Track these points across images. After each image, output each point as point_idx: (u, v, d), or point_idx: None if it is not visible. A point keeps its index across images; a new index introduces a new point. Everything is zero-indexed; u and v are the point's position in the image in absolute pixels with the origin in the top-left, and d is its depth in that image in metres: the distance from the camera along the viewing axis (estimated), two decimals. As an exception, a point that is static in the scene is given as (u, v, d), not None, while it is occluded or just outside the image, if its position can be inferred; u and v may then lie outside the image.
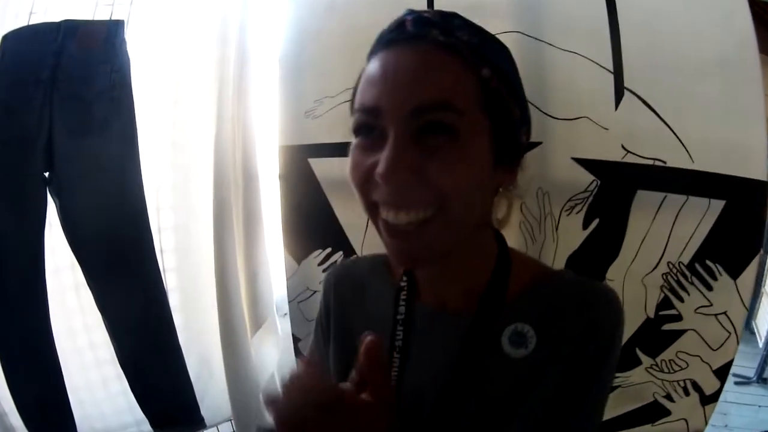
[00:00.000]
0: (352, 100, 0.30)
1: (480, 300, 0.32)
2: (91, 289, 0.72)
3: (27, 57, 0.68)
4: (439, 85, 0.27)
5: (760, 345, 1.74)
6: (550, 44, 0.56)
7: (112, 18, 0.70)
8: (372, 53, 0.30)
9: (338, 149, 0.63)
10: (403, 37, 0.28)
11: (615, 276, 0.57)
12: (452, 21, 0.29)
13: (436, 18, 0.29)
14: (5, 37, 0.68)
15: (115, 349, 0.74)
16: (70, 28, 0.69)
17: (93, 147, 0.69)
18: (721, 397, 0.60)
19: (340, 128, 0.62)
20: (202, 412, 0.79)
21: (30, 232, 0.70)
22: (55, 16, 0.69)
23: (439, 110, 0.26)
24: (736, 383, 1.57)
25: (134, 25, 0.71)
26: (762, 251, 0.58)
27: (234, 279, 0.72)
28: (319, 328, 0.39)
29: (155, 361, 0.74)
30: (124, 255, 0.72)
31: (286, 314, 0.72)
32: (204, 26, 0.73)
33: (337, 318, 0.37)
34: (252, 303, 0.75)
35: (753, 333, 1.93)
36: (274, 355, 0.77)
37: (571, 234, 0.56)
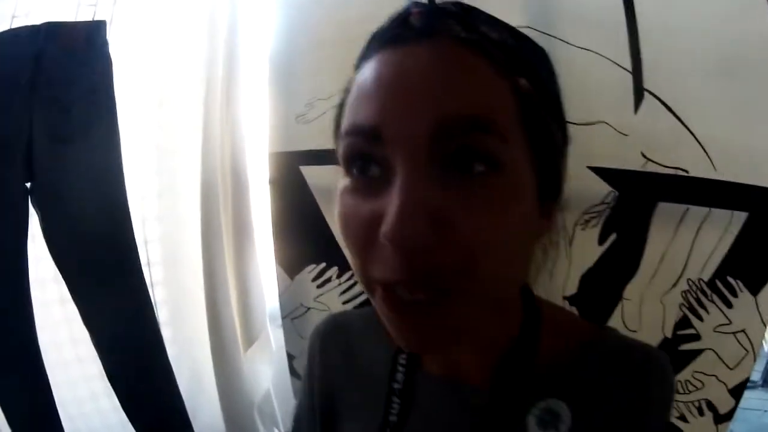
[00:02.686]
0: (338, 121, 0.23)
1: (501, 369, 0.25)
2: (75, 302, 0.69)
3: (6, 62, 0.65)
4: (470, 95, 0.19)
5: (766, 349, 1.71)
6: (563, 40, 0.52)
7: (95, 19, 0.67)
8: (364, 58, 0.22)
9: (332, 157, 0.58)
10: (409, 34, 0.20)
11: (632, 295, 0.53)
12: (475, 13, 0.21)
13: (453, 8, 0.21)
14: None
15: (102, 364, 0.71)
16: (51, 31, 0.65)
17: (74, 154, 0.66)
18: (745, 404, 0.58)
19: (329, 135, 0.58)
20: (195, 430, 0.77)
21: (12, 245, 0.67)
22: (38, 19, 0.65)
23: (475, 131, 0.18)
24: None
25: (118, 25, 0.68)
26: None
27: (224, 292, 0.69)
28: (304, 388, 0.33)
29: (144, 377, 0.71)
30: (108, 268, 0.68)
31: (281, 325, 0.69)
32: (191, 25, 0.69)
33: (322, 385, 0.32)
34: (244, 317, 0.72)
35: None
36: (268, 371, 0.75)
37: (586, 250, 0.52)
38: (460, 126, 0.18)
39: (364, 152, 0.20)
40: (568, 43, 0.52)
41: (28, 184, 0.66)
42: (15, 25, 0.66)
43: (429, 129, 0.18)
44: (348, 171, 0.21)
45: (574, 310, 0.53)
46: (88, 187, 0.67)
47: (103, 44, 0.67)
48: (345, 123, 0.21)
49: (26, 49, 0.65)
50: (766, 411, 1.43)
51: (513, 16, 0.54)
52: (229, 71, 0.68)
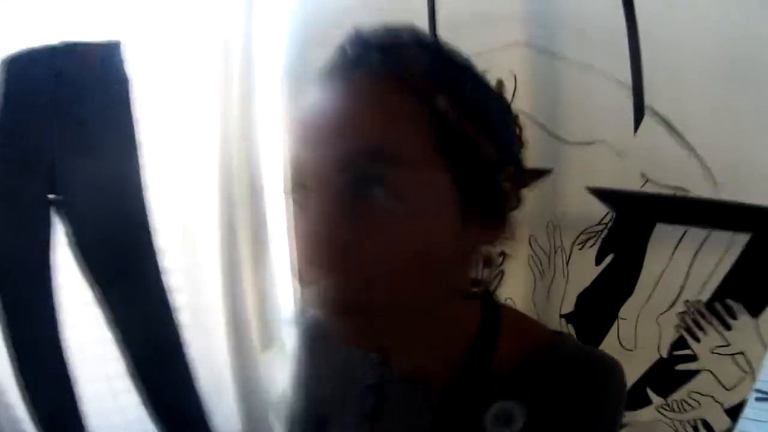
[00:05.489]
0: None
1: (460, 373, 0.27)
2: (99, 306, 0.72)
3: (28, 81, 0.68)
4: (370, 128, 0.21)
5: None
6: (562, 57, 0.51)
7: (112, 37, 0.70)
8: (311, 88, 0.24)
9: None
10: (340, 64, 0.23)
11: (628, 315, 0.54)
12: (399, 37, 0.23)
13: (378, 36, 0.23)
14: (7, 61, 0.68)
15: (125, 364, 0.75)
16: (68, 50, 0.68)
17: (95, 168, 0.70)
18: (742, 414, 0.58)
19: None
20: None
21: (38, 253, 0.71)
22: (55, 37, 0.68)
23: (372, 161, 0.20)
24: (758, 399, 1.50)
25: (135, 42, 0.70)
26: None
27: (242, 298, 0.72)
28: (295, 386, 0.37)
29: (165, 377, 0.75)
30: (130, 273, 0.72)
31: (296, 324, 0.71)
32: (207, 40, 0.71)
33: (309, 382, 0.35)
34: (261, 322, 0.75)
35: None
36: (283, 373, 0.78)
37: (583, 270, 0.53)
38: (358, 158, 0.21)
39: (299, 180, 0.23)
40: (567, 59, 0.52)
41: (52, 196, 0.70)
42: (33, 43, 0.68)
43: (333, 163, 0.21)
44: (292, 197, 0.24)
45: (570, 328, 0.53)
46: (109, 198, 0.70)
47: (120, 63, 0.70)
48: (290, 156, 0.24)
49: (46, 67, 0.68)
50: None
51: (513, 33, 0.54)
52: (246, 85, 0.70)
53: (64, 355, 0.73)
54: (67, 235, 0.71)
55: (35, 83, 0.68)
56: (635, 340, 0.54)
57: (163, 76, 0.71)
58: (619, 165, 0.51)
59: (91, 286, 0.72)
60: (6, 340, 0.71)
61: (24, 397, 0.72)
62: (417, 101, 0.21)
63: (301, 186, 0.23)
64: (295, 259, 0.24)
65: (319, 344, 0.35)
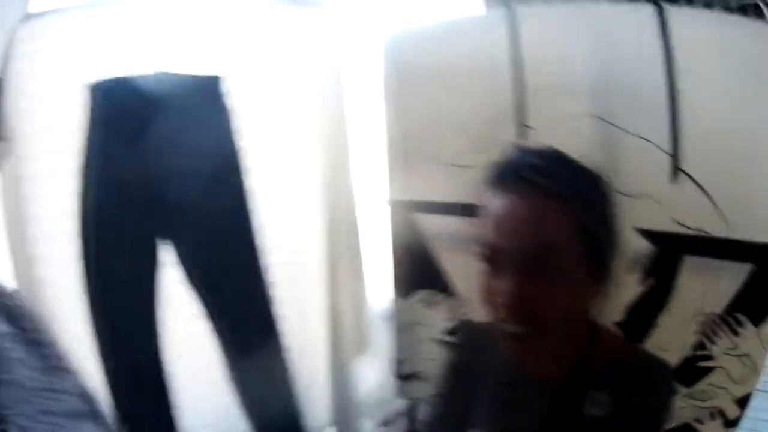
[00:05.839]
0: (474, 218, 0.40)
1: (571, 372, 0.41)
2: (206, 319, 0.78)
3: (124, 109, 0.70)
4: (545, 232, 0.36)
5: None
6: (620, 128, 0.68)
7: (211, 71, 0.74)
8: (490, 185, 0.39)
9: (443, 207, 0.74)
10: (513, 178, 0.37)
11: (663, 323, 0.70)
12: (554, 164, 0.38)
13: (540, 162, 0.38)
14: (99, 87, 0.69)
15: (226, 370, 0.81)
16: (167, 81, 0.69)
17: (199, 198, 0.74)
18: (754, 414, 0.72)
19: (443, 189, 0.74)
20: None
21: (146, 272, 0.75)
22: (150, 68, 0.69)
23: (545, 252, 0.36)
24: (771, 401, 1.56)
25: (237, 75, 0.74)
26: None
27: (341, 308, 0.82)
28: (446, 376, 0.51)
29: (266, 382, 0.80)
30: (237, 289, 0.79)
31: (390, 335, 0.81)
32: (306, 75, 0.77)
33: (459, 373, 0.50)
34: (357, 327, 0.85)
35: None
36: (375, 374, 0.87)
37: (630, 289, 0.69)
38: (530, 247, 0.36)
39: (492, 258, 0.38)
40: (623, 129, 0.68)
41: (157, 222, 0.75)
42: (125, 72, 0.68)
43: (522, 252, 0.36)
44: (484, 263, 0.39)
45: (621, 331, 0.69)
46: (217, 229, 0.76)
47: (220, 96, 0.74)
48: (483, 235, 0.39)
49: (143, 97, 0.69)
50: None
51: (581, 105, 0.70)
52: (341, 124, 0.78)
53: (164, 366, 0.77)
54: (175, 255, 0.75)
55: (131, 111, 0.70)
56: (669, 343, 0.70)
57: (265, 112, 0.76)
58: (659, 212, 0.67)
59: (200, 300, 0.77)
60: (105, 355, 0.73)
61: (119, 413, 0.74)
62: (564, 206, 0.36)
63: (492, 260, 0.38)
64: (483, 302, 0.40)
65: (467, 352, 0.50)
